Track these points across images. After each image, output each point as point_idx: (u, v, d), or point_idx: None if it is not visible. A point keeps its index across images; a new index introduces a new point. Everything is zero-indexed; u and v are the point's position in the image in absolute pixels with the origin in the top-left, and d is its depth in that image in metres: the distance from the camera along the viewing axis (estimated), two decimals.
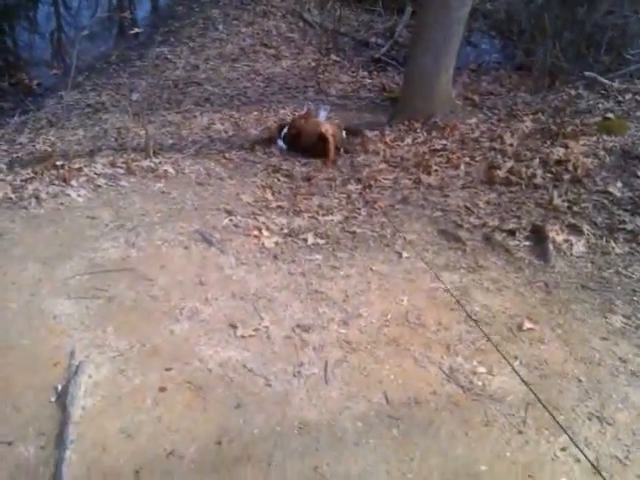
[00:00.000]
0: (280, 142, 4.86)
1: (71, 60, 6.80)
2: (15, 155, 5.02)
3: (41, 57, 7.41)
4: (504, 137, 4.83)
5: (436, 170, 4.51)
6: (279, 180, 4.25)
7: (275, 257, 3.04)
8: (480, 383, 2.33)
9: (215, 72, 6.77)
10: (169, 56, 7.00)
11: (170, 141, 5.12)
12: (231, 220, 3.32)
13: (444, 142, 4.99)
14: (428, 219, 3.76)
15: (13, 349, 2.30)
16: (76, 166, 3.80)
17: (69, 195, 3.35)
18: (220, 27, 7.84)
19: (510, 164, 4.34)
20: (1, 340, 2.34)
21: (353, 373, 2.29)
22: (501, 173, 4.23)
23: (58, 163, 3.76)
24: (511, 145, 4.69)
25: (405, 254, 3.25)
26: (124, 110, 5.85)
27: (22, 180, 3.56)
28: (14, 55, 7.58)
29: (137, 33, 7.75)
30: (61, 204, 3.28)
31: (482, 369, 2.40)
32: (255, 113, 5.81)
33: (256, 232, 3.22)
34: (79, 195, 3.35)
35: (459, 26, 5.13)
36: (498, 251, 3.36)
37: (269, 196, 3.85)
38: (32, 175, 3.66)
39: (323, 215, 3.69)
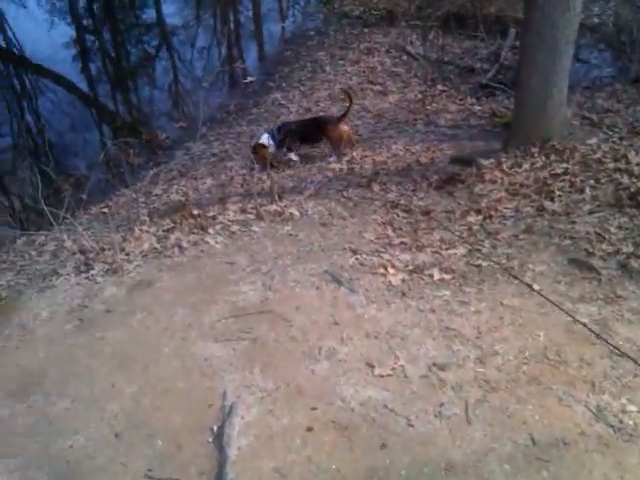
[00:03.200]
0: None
1: (193, 112, 7.40)
2: (153, 206, 5.53)
3: (165, 111, 8.10)
4: (629, 156, 4.61)
5: (559, 195, 4.38)
6: (398, 216, 4.33)
7: (403, 294, 3.10)
8: (631, 422, 2.23)
9: (326, 113, 7.02)
10: (282, 101, 7.38)
11: (291, 184, 5.39)
12: (357, 259, 3.44)
13: (565, 165, 4.83)
14: (556, 248, 3.65)
15: (170, 392, 2.54)
16: (210, 214, 4.13)
17: (208, 242, 3.66)
18: (327, 68, 8.15)
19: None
20: (159, 383, 2.58)
21: (495, 413, 2.28)
22: (630, 195, 4.04)
23: (195, 212, 4.10)
24: (637, 164, 4.46)
25: (536, 286, 3.18)
26: (247, 157, 6.25)
27: (164, 230, 3.92)
28: (141, 111, 8.33)
29: (251, 81, 8.29)
30: (201, 251, 3.59)
31: (632, 407, 2.30)
32: (368, 152, 5.96)
33: (382, 270, 3.31)
34: (217, 242, 3.65)
35: (567, 45, 4.98)
36: (636, 279, 3.20)
37: (390, 233, 3.94)
38: (172, 225, 4.02)
39: (446, 249, 3.70)
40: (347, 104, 5.73)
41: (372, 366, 2.56)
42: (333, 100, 7.37)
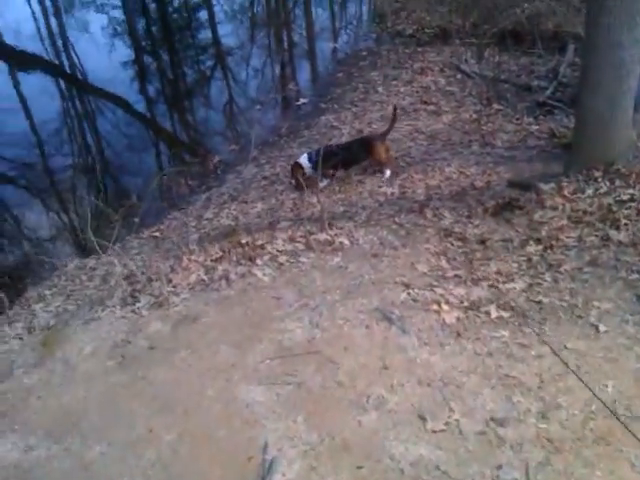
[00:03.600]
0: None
1: (246, 135, 7.42)
2: (203, 231, 5.54)
3: (219, 132, 8.15)
4: None
5: (626, 224, 4.09)
6: (452, 245, 4.14)
7: (458, 334, 2.92)
8: None
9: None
10: (334, 123, 7.31)
11: (341, 208, 5.29)
12: (409, 294, 3.28)
13: (631, 191, 4.52)
14: (624, 283, 3.39)
15: (210, 440, 2.44)
16: (259, 243, 4.06)
17: (255, 275, 3.58)
18: (380, 89, 8.03)
19: None
20: (199, 430, 2.50)
21: (559, 479, 2.08)
22: None
23: (243, 241, 4.05)
24: None
25: (602, 327, 2.94)
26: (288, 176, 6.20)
27: (212, 260, 3.88)
28: (195, 133, 8.43)
29: (303, 103, 8.28)
30: (248, 284, 3.51)
31: None
32: (420, 175, 5.80)
33: (435, 306, 3.14)
34: (264, 274, 3.57)
35: (633, 65, 4.69)
36: None
37: (444, 264, 3.76)
38: (220, 254, 3.97)
39: (503, 283, 3.50)
40: (391, 122, 5.77)
41: (424, 419, 2.39)
42: (386, 121, 7.23)
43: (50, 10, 13.69)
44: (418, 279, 3.49)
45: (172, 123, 8.93)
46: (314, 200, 5.70)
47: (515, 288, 3.39)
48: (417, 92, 7.91)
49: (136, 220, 6.24)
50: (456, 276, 3.56)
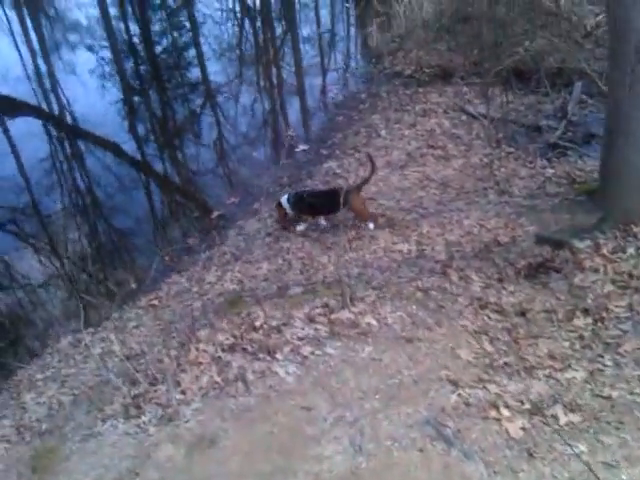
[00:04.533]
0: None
1: (245, 186, 7.03)
2: (207, 297, 5.08)
3: (215, 183, 7.70)
4: None
5: None
6: (490, 318, 3.73)
7: (530, 454, 2.48)
8: None
9: (385, 183, 6.55)
10: (337, 170, 6.95)
11: (356, 269, 4.88)
12: (459, 395, 2.84)
13: None
14: None
15: None
16: (274, 324, 3.60)
17: (276, 373, 3.09)
18: (383, 133, 7.71)
19: None
20: None
21: None
22: None
23: (257, 324, 3.58)
24: None
25: None
26: (303, 236, 5.79)
27: (223, 349, 3.38)
28: (192, 183, 7.97)
29: (303, 150, 7.91)
30: (270, 387, 3.00)
31: None
32: (437, 229, 5.42)
33: (494, 412, 2.70)
34: (287, 372, 3.08)
35: None
36: None
37: (488, 346, 3.34)
38: (232, 340, 3.48)
39: (560, 370, 3.08)
40: (369, 173, 5.56)
41: None
42: (392, 167, 6.90)
43: (38, 52, 13.40)
44: (464, 372, 3.04)
45: (166, 171, 8.51)
46: (324, 260, 5.31)
47: (576, 378, 2.98)
48: (422, 136, 7.60)
49: (133, 286, 5.80)
50: (506, 364, 3.13)
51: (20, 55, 13.14)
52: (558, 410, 2.69)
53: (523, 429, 2.59)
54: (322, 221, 5.87)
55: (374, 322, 3.53)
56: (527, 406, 2.75)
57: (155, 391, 3.05)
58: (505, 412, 2.69)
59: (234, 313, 4.39)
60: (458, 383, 2.93)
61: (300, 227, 5.86)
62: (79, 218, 7.41)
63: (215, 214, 6.61)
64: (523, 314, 3.76)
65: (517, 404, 2.76)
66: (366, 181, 5.57)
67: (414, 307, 3.79)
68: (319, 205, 5.59)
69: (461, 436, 2.58)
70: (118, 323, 4.99)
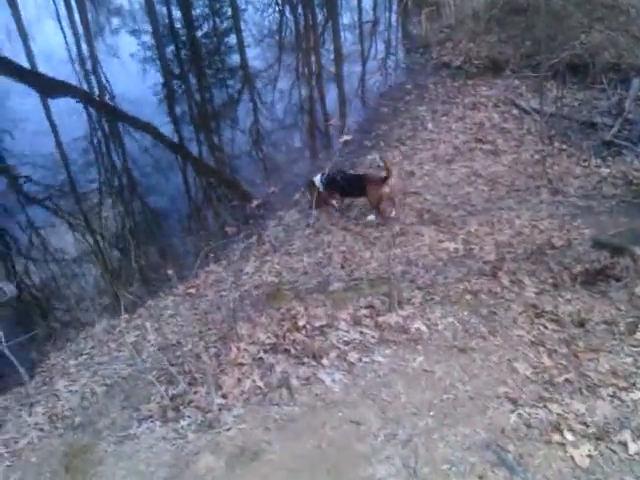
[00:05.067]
0: None
1: (286, 175, 6.86)
2: (244, 289, 4.94)
3: (256, 171, 7.51)
4: None
5: None
6: (546, 328, 3.49)
7: None
8: None
9: (431, 178, 6.31)
10: (381, 163, 6.71)
11: (399, 267, 4.68)
12: (519, 415, 2.61)
13: None
14: None
15: None
16: (317, 324, 3.42)
17: (322, 381, 2.89)
18: (429, 126, 7.45)
19: None
20: None
21: None
22: None
23: (300, 324, 3.40)
24: None
25: None
26: (344, 229, 5.61)
27: (265, 350, 3.21)
28: (231, 170, 7.81)
29: (347, 140, 7.69)
30: (316, 396, 2.79)
31: None
32: (486, 228, 5.17)
33: (557, 436, 2.47)
34: (333, 380, 2.88)
35: None
36: None
37: (546, 360, 3.11)
38: (274, 340, 3.31)
39: (624, 390, 2.84)
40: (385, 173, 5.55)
41: None
42: (439, 161, 6.64)
43: (81, 35, 13.46)
44: (523, 388, 2.82)
45: (204, 156, 8.40)
46: (367, 255, 5.11)
47: None
48: (470, 129, 7.32)
49: (169, 272, 5.70)
50: (567, 381, 2.90)
51: (64, 38, 13.22)
52: (626, 436, 2.46)
53: (590, 457, 2.37)
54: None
55: (424, 328, 3.32)
56: (592, 430, 2.52)
57: (194, 393, 2.89)
58: (569, 436, 2.47)
59: (274, 307, 4.25)
60: (517, 401, 2.71)
61: (332, 209, 5.99)
62: (115, 199, 7.35)
63: (255, 203, 6.45)
64: (581, 325, 3.52)
65: (581, 427, 2.53)
66: (387, 177, 5.51)
67: (465, 313, 3.56)
68: (348, 187, 5.74)
69: (524, 462, 2.36)
70: (154, 311, 4.90)
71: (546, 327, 3.49)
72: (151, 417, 2.85)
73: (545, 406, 2.67)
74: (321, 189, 5.79)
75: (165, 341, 4.23)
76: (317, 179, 5.80)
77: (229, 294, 4.90)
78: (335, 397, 2.77)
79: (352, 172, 6.34)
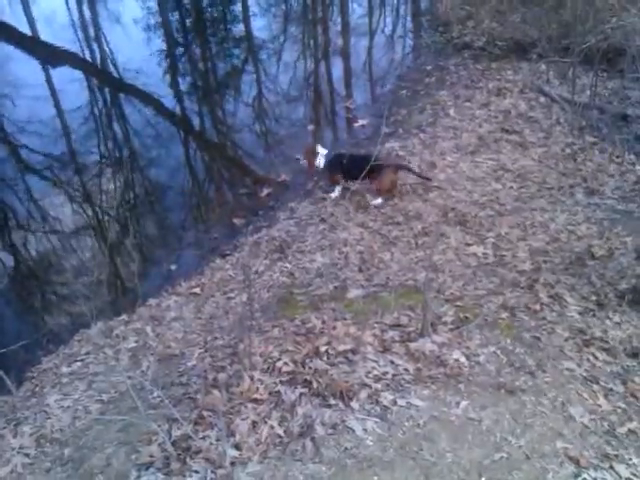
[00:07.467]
0: None
1: (297, 163, 6.38)
2: (253, 290, 4.54)
3: (265, 158, 7.00)
4: None
5: None
6: (597, 359, 3.10)
7: None
8: None
9: (455, 171, 5.85)
10: (400, 152, 6.26)
11: (423, 273, 4.26)
12: None
13: None
14: None
15: None
16: (341, 348, 3.01)
17: (353, 430, 2.45)
18: (451, 112, 6.96)
19: None
20: None
21: None
22: None
23: (322, 349, 2.99)
24: None
25: None
26: (361, 225, 5.19)
27: (282, 382, 2.80)
28: (241, 156, 7.29)
29: (362, 125, 7.23)
30: (345, 451, 2.34)
31: None
32: (517, 231, 4.75)
33: None
34: (365, 430, 2.43)
35: None
36: None
37: (603, 402, 2.72)
38: (292, 367, 2.90)
39: None
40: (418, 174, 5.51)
41: None
42: (462, 152, 6.18)
43: (84, 0, 12.95)
44: (584, 442, 2.41)
45: (211, 137, 7.92)
46: (387, 257, 4.70)
47: None
48: (495, 117, 6.84)
49: (172, 268, 5.30)
50: (630, 432, 2.51)
51: (66, 2, 12.69)
52: None
53: None
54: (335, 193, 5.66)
55: (463, 359, 2.92)
56: None
57: (203, 438, 2.49)
58: None
59: (286, 317, 3.86)
60: (579, 461, 2.31)
61: (335, 194, 5.64)
62: (114, 177, 6.95)
63: (265, 192, 6.02)
64: (635, 355, 3.13)
65: None
66: (403, 166, 5.47)
67: (508, 341, 3.16)
68: (354, 171, 5.27)
69: None
70: (155, 311, 4.51)
71: (597, 357, 3.10)
72: (152, 464, 2.45)
73: (611, 467, 2.29)
74: (322, 163, 5.60)
75: (167, 350, 3.84)
76: (322, 150, 5.62)
77: (236, 296, 4.52)
78: (368, 453, 2.35)
79: (359, 153, 5.95)
